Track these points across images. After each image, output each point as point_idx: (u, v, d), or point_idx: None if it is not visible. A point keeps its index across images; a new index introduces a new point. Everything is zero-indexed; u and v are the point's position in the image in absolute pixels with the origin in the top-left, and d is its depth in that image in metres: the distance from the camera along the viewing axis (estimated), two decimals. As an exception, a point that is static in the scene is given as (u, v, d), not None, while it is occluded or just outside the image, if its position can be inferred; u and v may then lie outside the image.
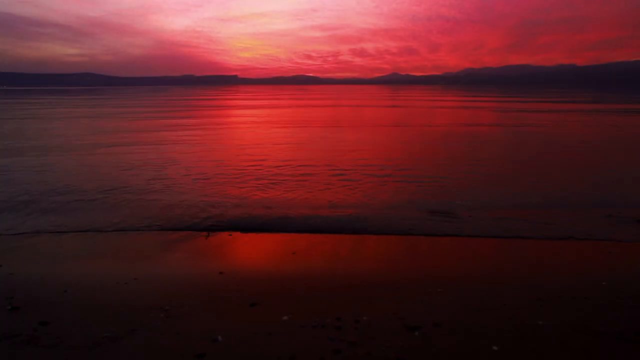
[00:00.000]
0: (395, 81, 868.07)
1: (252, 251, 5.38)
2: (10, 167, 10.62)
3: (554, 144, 14.44)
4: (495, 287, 3.99)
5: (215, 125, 21.61)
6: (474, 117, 26.20)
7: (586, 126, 20.59)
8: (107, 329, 3.26)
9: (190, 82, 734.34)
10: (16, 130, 19.80)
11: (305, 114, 29.79)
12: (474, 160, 11.09)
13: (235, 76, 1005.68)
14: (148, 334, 3.20)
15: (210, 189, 8.23)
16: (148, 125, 21.44)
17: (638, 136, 17.34)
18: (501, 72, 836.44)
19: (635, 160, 11.89)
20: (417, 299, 3.75)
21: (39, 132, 18.76)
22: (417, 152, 13.03)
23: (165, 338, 3.14)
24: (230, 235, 5.78)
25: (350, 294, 3.88)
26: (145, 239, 5.69)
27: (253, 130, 19.90)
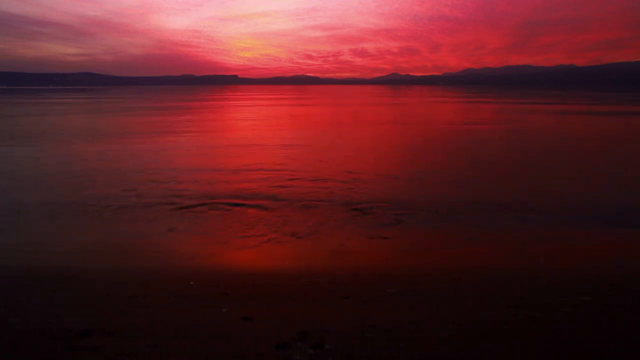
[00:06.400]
0: (395, 81, 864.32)
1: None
2: None
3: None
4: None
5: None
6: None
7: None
8: None
9: (190, 81, 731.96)
10: None
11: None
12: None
13: (235, 76, 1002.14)
14: None
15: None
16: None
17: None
18: (501, 73, 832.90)
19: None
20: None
21: None
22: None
23: None
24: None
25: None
26: None
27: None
